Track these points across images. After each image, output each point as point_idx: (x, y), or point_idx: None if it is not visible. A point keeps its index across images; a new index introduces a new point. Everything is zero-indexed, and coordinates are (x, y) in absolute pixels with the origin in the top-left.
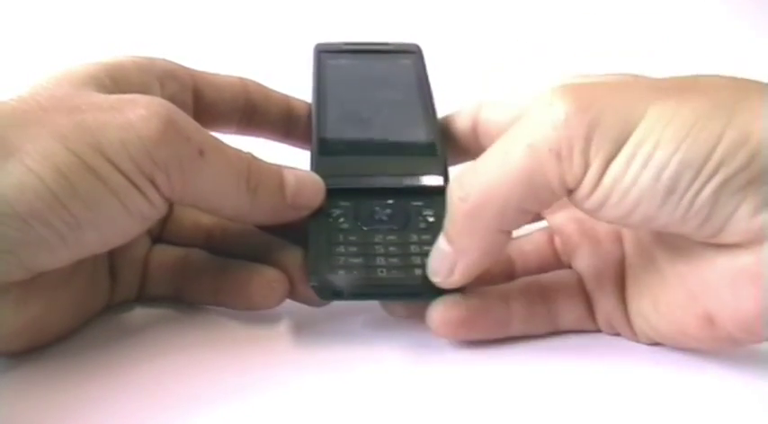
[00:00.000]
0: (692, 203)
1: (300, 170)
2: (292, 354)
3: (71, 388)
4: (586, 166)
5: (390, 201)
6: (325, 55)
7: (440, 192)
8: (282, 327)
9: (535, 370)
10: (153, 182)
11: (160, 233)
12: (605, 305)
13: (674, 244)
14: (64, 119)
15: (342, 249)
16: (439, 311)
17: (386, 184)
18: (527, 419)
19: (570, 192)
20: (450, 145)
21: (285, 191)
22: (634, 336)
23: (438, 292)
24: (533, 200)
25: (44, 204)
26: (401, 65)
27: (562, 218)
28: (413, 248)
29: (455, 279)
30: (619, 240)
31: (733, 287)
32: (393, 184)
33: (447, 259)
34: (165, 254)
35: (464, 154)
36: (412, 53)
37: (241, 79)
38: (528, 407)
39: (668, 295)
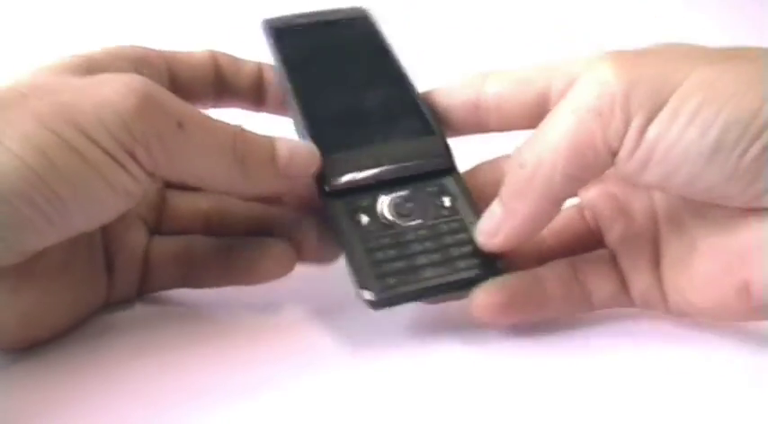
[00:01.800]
0: (738, 163)
1: (295, 140)
2: (296, 349)
3: (71, 386)
4: (628, 121)
5: (405, 193)
6: (280, 32)
7: (447, 172)
8: (285, 320)
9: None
10: (133, 157)
11: (157, 224)
12: (640, 283)
13: (710, 217)
14: (43, 101)
15: (380, 255)
16: (481, 297)
17: (396, 174)
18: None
19: (614, 155)
20: (447, 119)
21: (277, 161)
22: (668, 311)
23: (481, 279)
24: (579, 165)
25: (27, 183)
26: (362, 36)
27: (595, 195)
28: (446, 239)
29: (498, 241)
30: (653, 218)
31: None
32: (403, 173)
33: (495, 220)
34: (166, 245)
35: (461, 128)
36: (364, 18)
37: (211, 53)
38: (531, 404)
39: (704, 269)
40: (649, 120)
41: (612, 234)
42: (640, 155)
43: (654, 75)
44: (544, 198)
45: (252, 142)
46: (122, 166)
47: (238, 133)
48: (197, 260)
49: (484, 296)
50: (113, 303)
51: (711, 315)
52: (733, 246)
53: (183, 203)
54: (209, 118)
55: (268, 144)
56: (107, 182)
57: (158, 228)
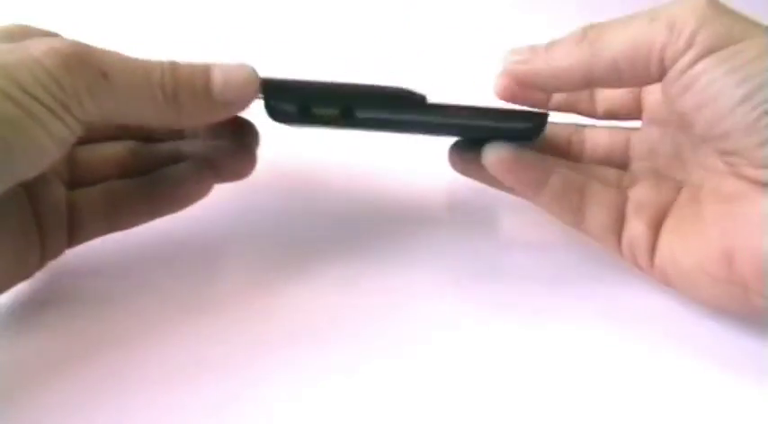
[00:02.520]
0: (761, 116)
1: (231, 64)
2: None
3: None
4: (688, 46)
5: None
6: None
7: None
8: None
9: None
10: (68, 110)
11: (71, 178)
12: (635, 229)
13: (724, 189)
14: None
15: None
16: (493, 152)
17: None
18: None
19: (663, 72)
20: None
21: (212, 89)
22: (650, 268)
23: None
24: (628, 59)
25: None
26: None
27: (642, 167)
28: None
29: (513, 59)
30: (677, 189)
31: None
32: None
33: (530, 52)
34: (87, 194)
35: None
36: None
37: None
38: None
39: (701, 230)
40: (704, 55)
41: (636, 190)
42: (686, 79)
43: (726, 22)
44: (577, 60)
45: (183, 75)
46: (60, 118)
47: (167, 69)
48: (120, 201)
49: (496, 152)
50: (48, 260)
51: (688, 280)
52: (735, 215)
53: (94, 153)
54: (133, 60)
55: (202, 73)
56: (46, 130)
57: (74, 182)
